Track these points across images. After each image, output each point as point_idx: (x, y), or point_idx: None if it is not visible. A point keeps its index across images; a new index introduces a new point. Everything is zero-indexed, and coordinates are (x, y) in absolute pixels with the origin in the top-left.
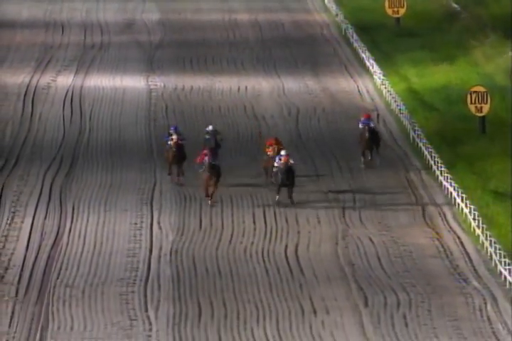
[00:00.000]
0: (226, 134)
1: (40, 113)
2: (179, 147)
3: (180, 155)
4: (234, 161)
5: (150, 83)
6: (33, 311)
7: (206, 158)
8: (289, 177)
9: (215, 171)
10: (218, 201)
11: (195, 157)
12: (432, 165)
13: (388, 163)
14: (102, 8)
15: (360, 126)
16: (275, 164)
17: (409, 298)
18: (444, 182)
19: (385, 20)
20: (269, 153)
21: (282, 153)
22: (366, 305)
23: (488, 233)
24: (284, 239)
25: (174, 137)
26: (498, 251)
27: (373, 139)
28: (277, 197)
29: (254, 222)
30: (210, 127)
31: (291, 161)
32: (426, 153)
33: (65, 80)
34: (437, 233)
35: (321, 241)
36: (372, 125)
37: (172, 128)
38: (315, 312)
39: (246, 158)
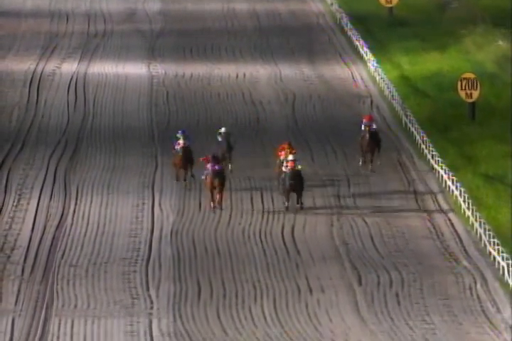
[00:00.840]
0: (225, 120)
1: (45, 99)
2: (187, 152)
3: (187, 160)
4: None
5: (151, 70)
6: (38, 290)
7: (209, 166)
8: (296, 182)
9: (219, 176)
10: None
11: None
12: (423, 150)
13: (382, 147)
14: None
15: (363, 127)
16: (283, 169)
17: (401, 277)
18: (435, 166)
19: (378, 10)
20: (281, 157)
21: (289, 158)
22: (360, 284)
23: (477, 214)
24: (281, 220)
25: (181, 142)
26: (487, 232)
27: (374, 142)
28: (286, 203)
29: (252, 204)
30: (223, 129)
31: (299, 166)
32: (418, 137)
33: (70, 67)
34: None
35: (316, 222)
36: (374, 127)
37: (180, 132)
38: (311, 291)
39: (244, 143)
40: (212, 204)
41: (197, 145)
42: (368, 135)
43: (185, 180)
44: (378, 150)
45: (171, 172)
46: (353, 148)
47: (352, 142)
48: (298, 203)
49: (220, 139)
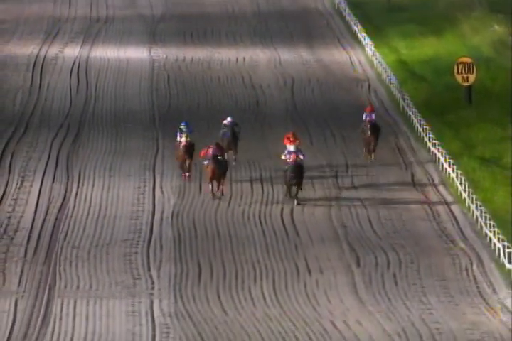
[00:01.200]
0: (225, 103)
1: (48, 83)
2: (189, 146)
3: (189, 154)
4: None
5: (153, 54)
6: (41, 271)
7: (210, 151)
8: (297, 175)
9: (220, 164)
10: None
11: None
12: (420, 133)
13: (381, 134)
14: None
15: (364, 117)
16: (284, 157)
17: (398, 258)
18: (432, 149)
19: None
20: (288, 145)
21: (291, 149)
22: (358, 265)
23: (474, 197)
24: (280, 202)
25: (183, 140)
26: (483, 214)
27: (375, 133)
28: (288, 195)
29: (251, 187)
30: (229, 119)
31: (301, 157)
32: (415, 120)
33: (72, 52)
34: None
35: (315, 204)
36: (373, 118)
37: (183, 124)
38: (309, 272)
39: (243, 125)
40: (212, 194)
41: (198, 128)
42: (369, 126)
43: (189, 171)
44: (376, 140)
45: (172, 156)
46: (351, 131)
47: (350, 125)
48: (295, 195)
49: (224, 130)
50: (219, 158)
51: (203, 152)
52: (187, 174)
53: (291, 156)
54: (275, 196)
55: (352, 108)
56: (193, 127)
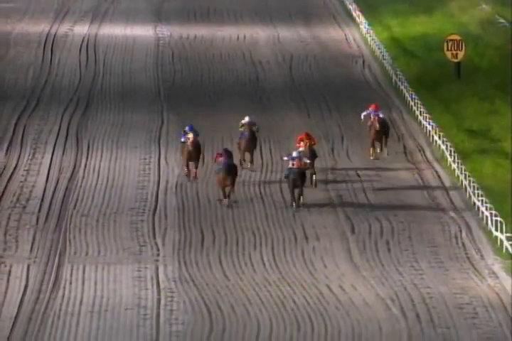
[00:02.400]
0: (226, 78)
1: (59, 59)
2: (196, 146)
3: (196, 153)
4: (232, 102)
5: (158, 32)
6: (52, 238)
7: (222, 158)
8: (299, 179)
9: (232, 172)
10: (219, 141)
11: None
12: (412, 106)
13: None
14: None
15: (365, 114)
16: (289, 165)
17: (391, 226)
18: (423, 122)
19: None
20: (300, 148)
21: (294, 154)
22: (353, 232)
23: (463, 167)
24: (279, 172)
25: (190, 136)
26: (472, 184)
27: (383, 130)
28: (294, 203)
29: (251, 157)
30: (247, 118)
31: (306, 160)
32: (407, 95)
33: (81, 29)
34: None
35: (312, 174)
36: (381, 115)
37: (188, 128)
38: (306, 239)
39: (243, 99)
40: (223, 199)
41: (200, 103)
42: (377, 124)
43: (196, 168)
44: (386, 138)
45: (176, 128)
46: (346, 104)
47: (346, 99)
48: (298, 199)
49: (241, 129)
50: (230, 165)
51: (214, 157)
52: (193, 176)
53: (295, 162)
54: (274, 167)
55: (347, 83)
56: (198, 130)
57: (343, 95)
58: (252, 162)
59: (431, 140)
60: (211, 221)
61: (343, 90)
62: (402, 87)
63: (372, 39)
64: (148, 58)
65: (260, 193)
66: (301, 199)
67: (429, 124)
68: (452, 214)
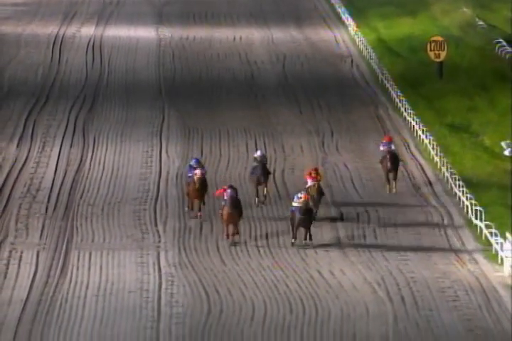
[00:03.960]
0: (224, 76)
1: (67, 58)
2: (202, 182)
3: (202, 191)
4: (229, 98)
5: (159, 33)
6: (60, 226)
7: (229, 191)
8: (307, 217)
9: (237, 208)
10: (216, 136)
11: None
12: (397, 103)
13: (361, 101)
14: None
15: (381, 148)
16: (293, 203)
17: (378, 215)
18: (408, 117)
19: None
20: (309, 181)
21: (299, 195)
22: (342, 220)
23: (445, 160)
24: (273, 164)
25: (198, 172)
26: (453, 176)
27: (394, 168)
28: (293, 240)
29: (247, 151)
30: (259, 153)
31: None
32: (392, 92)
33: (88, 31)
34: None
35: (303, 166)
36: (393, 148)
37: (194, 161)
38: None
39: (239, 96)
40: (227, 237)
41: (199, 100)
42: (388, 156)
43: (200, 210)
44: (395, 174)
45: (176, 124)
46: (336, 101)
47: (335, 96)
48: (306, 239)
49: (255, 164)
50: (236, 200)
51: (218, 192)
52: (199, 213)
53: (303, 196)
54: (268, 160)
55: (336, 81)
56: (204, 164)
57: (333, 92)
58: (265, 196)
59: (415, 134)
60: (209, 209)
61: (332, 88)
62: (387, 85)
63: (360, 40)
64: (150, 58)
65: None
66: (308, 238)
67: (413, 120)
68: (435, 203)
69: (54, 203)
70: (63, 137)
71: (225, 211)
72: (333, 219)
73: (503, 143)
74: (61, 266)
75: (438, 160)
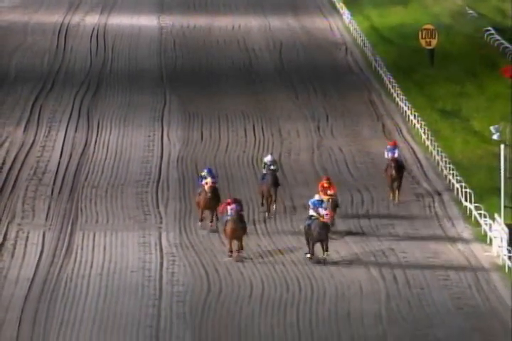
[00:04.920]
0: (223, 63)
1: (72, 46)
2: (214, 191)
3: (214, 200)
4: (228, 84)
5: (161, 22)
6: (65, 207)
7: (233, 206)
8: (324, 232)
9: (241, 224)
10: (216, 120)
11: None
12: (390, 89)
13: (355, 87)
14: None
15: (386, 155)
16: (310, 211)
17: (371, 196)
18: (400, 103)
19: None
20: (322, 196)
21: (322, 203)
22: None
23: (435, 144)
24: (270, 148)
25: (209, 180)
26: (444, 159)
27: (398, 176)
28: (310, 255)
29: (245, 135)
30: (269, 157)
31: (322, 212)
32: (385, 79)
33: (92, 20)
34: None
35: (300, 150)
36: (396, 155)
37: (206, 170)
38: (295, 209)
39: (238, 82)
40: (230, 254)
41: (199, 86)
42: (393, 165)
43: (211, 221)
44: (400, 182)
45: (177, 109)
46: (331, 87)
47: (330, 82)
48: (324, 253)
49: (265, 172)
50: (240, 215)
51: (221, 208)
52: (210, 224)
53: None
54: (265, 143)
55: (331, 67)
56: (216, 173)
57: (328, 78)
58: (275, 209)
59: (407, 119)
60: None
61: (327, 74)
62: (380, 72)
63: (354, 28)
64: (152, 45)
65: (253, 167)
66: (326, 254)
67: (405, 105)
68: (426, 186)
69: (59, 185)
70: (68, 121)
71: (229, 226)
72: (348, 233)
73: (491, 128)
74: (66, 246)
75: (429, 144)
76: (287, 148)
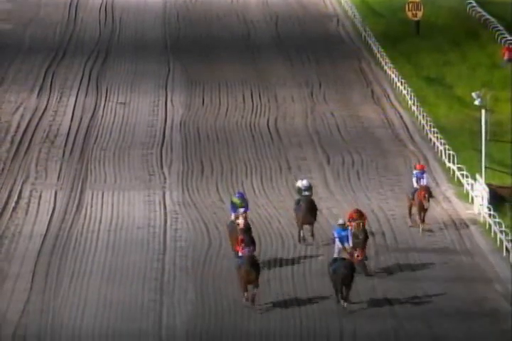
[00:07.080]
0: (223, 34)
1: (82, 17)
2: (247, 231)
3: (248, 239)
4: (227, 54)
5: None
6: (75, 168)
7: (246, 250)
8: (350, 274)
9: (255, 266)
10: (216, 87)
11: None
12: (378, 58)
13: (346, 56)
14: None
15: (415, 183)
16: (335, 253)
17: (361, 158)
18: (388, 71)
19: None
20: (352, 229)
21: (342, 232)
22: (328, 163)
23: (421, 109)
24: (267, 113)
25: (241, 221)
26: (428, 123)
27: (428, 203)
28: (343, 303)
29: (244, 101)
30: (305, 182)
31: (346, 245)
32: (374, 48)
33: None
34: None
35: (294, 115)
36: (425, 181)
37: (238, 196)
38: (290, 169)
39: (237, 51)
40: (246, 299)
41: (200, 55)
42: (425, 194)
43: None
44: (427, 211)
45: (181, 76)
46: (324, 56)
47: (323, 51)
48: (343, 298)
49: (297, 197)
50: (252, 257)
51: (237, 247)
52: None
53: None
54: (263, 108)
55: (324, 38)
56: (248, 201)
57: (321, 48)
58: (313, 235)
59: (394, 86)
60: (210, 154)
61: (320, 44)
62: (370, 42)
63: (345, 1)
64: (157, 18)
65: (251, 131)
66: (345, 303)
67: (392, 73)
68: (412, 148)
69: (70, 148)
70: (79, 88)
71: (243, 269)
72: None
73: (473, 94)
74: (76, 204)
75: (415, 109)
76: (283, 113)
